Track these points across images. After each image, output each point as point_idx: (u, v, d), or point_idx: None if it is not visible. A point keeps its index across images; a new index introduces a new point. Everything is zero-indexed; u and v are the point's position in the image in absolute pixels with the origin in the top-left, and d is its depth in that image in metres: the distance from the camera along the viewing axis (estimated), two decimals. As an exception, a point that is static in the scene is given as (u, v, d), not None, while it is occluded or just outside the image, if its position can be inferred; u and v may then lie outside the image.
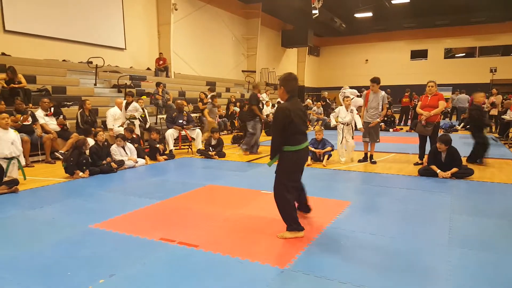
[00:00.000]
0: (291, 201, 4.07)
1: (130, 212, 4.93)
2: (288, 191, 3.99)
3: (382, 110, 8.30)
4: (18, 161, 6.64)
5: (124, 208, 5.10)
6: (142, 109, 10.98)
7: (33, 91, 10.35)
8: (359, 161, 8.66)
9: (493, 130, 15.43)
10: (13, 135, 6.63)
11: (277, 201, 4.05)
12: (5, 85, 9.37)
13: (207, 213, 4.93)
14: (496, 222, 4.54)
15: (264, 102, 13.96)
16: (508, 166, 8.19)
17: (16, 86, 9.47)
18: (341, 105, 9.09)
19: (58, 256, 3.58)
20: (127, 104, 10.39)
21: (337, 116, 8.83)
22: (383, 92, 8.34)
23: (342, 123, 8.67)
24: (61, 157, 8.60)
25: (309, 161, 8.57)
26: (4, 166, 6.26)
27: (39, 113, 9.00)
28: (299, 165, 4.10)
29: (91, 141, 7.91)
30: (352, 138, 8.75)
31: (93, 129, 8.94)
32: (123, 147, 8.18)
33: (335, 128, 9.25)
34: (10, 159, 6.43)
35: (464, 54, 30.56)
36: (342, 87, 14.78)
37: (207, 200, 5.59)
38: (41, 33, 12.92)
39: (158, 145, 9.21)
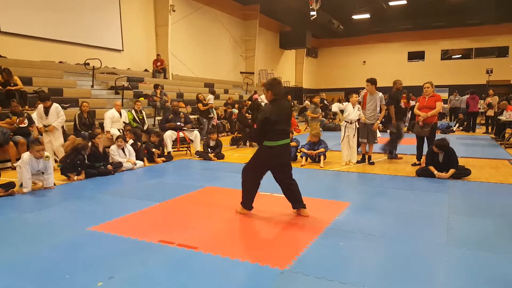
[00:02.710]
0: (250, 183, 4.78)
1: (129, 215, 4.90)
2: (251, 173, 4.76)
3: (380, 112, 8.31)
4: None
5: (122, 210, 5.07)
6: (140, 111, 10.89)
7: (29, 93, 10.28)
8: (357, 162, 8.65)
9: (489, 130, 15.49)
10: (41, 166, 6.24)
11: (242, 176, 4.84)
12: (0, 87, 9.32)
13: (206, 214, 4.91)
14: (494, 222, 4.55)
15: (263, 104, 13.88)
16: (504, 166, 8.22)
17: (12, 88, 9.43)
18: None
19: (56, 259, 3.55)
20: (46, 109, 8.08)
21: (343, 113, 8.49)
22: (380, 93, 8.34)
23: (346, 121, 8.49)
24: (57, 159, 8.56)
25: (303, 161, 8.58)
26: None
27: (36, 115, 8.96)
28: (272, 159, 4.63)
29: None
30: (355, 137, 8.49)
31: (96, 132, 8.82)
32: (123, 149, 8.15)
33: (334, 129, 9.22)
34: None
35: (460, 55, 30.63)
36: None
37: (206, 202, 5.56)
38: (37, 35, 12.84)
39: (154, 149, 9.04)
